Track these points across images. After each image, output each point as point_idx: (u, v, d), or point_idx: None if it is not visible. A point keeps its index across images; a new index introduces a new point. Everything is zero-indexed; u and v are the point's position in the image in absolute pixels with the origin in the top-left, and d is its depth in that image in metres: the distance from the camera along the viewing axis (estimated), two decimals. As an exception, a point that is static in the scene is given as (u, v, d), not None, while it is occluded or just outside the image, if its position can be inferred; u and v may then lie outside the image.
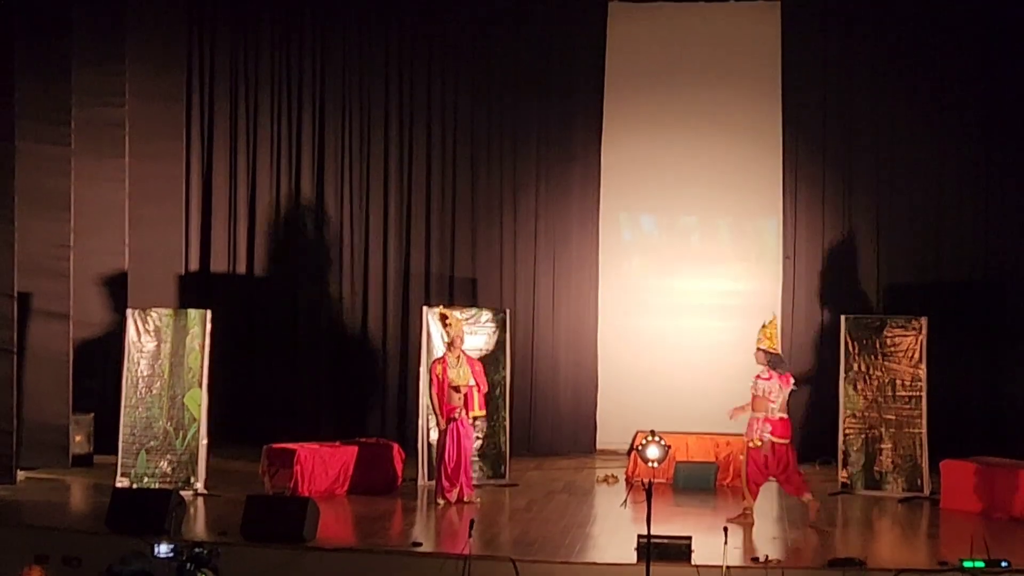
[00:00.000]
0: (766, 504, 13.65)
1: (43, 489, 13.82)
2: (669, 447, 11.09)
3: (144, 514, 11.58)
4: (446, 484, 13.22)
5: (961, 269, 15.96)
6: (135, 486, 13.38)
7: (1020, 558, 10.75)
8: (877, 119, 16.18)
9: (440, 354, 13.78)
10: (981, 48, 15.86)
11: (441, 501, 13.20)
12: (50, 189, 14.59)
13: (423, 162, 16.87)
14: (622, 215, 16.94)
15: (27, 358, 14.43)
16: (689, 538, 10.95)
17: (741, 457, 12.81)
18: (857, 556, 10.88)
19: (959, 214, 15.99)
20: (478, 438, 14.19)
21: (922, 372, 13.95)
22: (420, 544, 11.55)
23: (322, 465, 13.70)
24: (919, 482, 13.87)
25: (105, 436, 14.57)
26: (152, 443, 13.77)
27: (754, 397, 12.48)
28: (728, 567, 10.49)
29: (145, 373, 13.89)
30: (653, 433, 10.73)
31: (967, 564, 10.54)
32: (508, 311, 15.24)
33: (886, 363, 14.10)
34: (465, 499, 13.24)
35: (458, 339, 13.50)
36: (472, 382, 13.34)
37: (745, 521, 12.41)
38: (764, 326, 12.81)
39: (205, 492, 13.55)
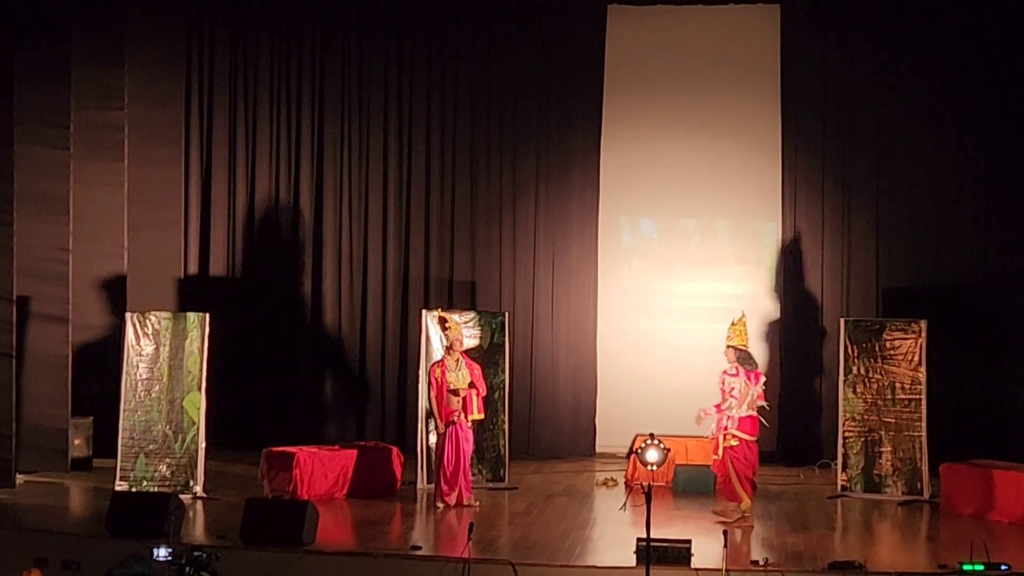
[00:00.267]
0: (764, 507, 13.66)
1: (42, 493, 13.81)
2: (669, 450, 11.09)
3: (143, 518, 11.59)
4: (445, 487, 13.21)
5: (961, 272, 15.95)
6: (134, 490, 13.38)
7: (1020, 562, 10.76)
8: (876, 122, 16.18)
9: (439, 357, 13.78)
10: (981, 49, 15.85)
11: (440, 504, 13.20)
12: (49, 192, 14.60)
13: (422, 166, 16.86)
14: (622, 218, 16.93)
15: (26, 362, 14.42)
16: (689, 541, 10.96)
17: (714, 456, 12.80)
18: (857, 559, 10.89)
19: (958, 217, 15.98)
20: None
21: (922, 375, 13.94)
22: (419, 547, 11.56)
23: (321, 468, 13.69)
24: (919, 485, 13.86)
25: (104, 440, 14.57)
26: (151, 447, 13.76)
27: (721, 392, 12.65)
28: (728, 570, 10.49)
29: (144, 376, 13.89)
30: (652, 436, 10.72)
31: (967, 568, 10.55)
32: (507, 314, 15.24)
33: (886, 366, 14.09)
34: (464, 502, 13.24)
35: (457, 342, 13.51)
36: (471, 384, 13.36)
37: (745, 524, 12.42)
38: (733, 323, 12.93)
39: (204, 496, 13.54)
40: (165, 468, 13.71)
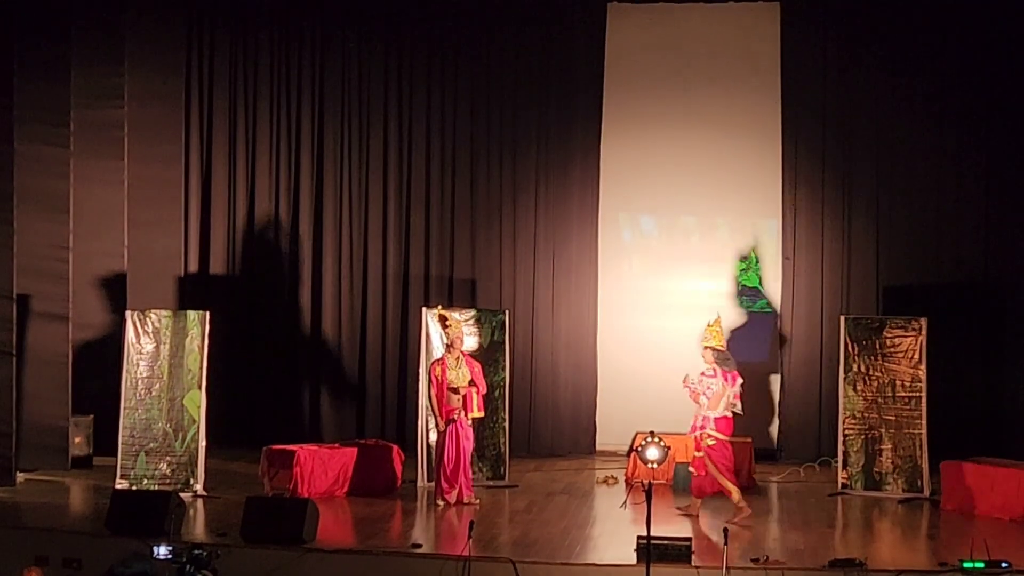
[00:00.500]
0: (765, 505, 13.67)
1: (42, 491, 13.81)
2: (669, 448, 11.09)
3: (144, 516, 11.59)
4: (445, 485, 13.22)
5: (961, 269, 15.95)
6: (134, 488, 13.38)
7: (1020, 559, 10.75)
8: (876, 119, 16.18)
9: (439, 355, 13.78)
10: (981, 45, 15.85)
11: (440, 502, 13.20)
12: (49, 191, 14.59)
13: (422, 164, 16.86)
14: (622, 216, 16.93)
15: (26, 360, 14.42)
16: (689, 539, 10.97)
17: (696, 454, 12.80)
18: (857, 557, 10.88)
19: (959, 214, 15.98)
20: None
21: (922, 373, 13.95)
22: (420, 545, 11.55)
23: (322, 466, 13.69)
24: (919, 483, 13.86)
25: (104, 438, 14.57)
26: (151, 445, 13.77)
27: (696, 393, 12.66)
28: (728, 568, 10.49)
29: (144, 375, 13.89)
30: (653, 434, 10.73)
31: (967, 565, 10.54)
32: (507, 312, 15.24)
33: (886, 364, 14.09)
34: (464, 500, 13.24)
35: (457, 340, 13.51)
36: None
37: (743, 516, 12.43)
38: (709, 325, 12.98)
39: (204, 494, 13.54)
40: (165, 466, 13.72)
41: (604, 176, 16.66)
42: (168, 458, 13.73)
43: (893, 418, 14.01)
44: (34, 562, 10.67)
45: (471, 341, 14.30)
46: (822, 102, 16.27)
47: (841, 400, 14.26)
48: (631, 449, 14.49)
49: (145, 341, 13.93)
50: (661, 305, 16.72)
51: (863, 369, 14.16)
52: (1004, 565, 10.58)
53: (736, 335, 15.82)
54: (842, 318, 14.56)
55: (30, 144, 14.35)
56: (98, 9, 15.57)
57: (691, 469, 13.10)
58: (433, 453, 13.71)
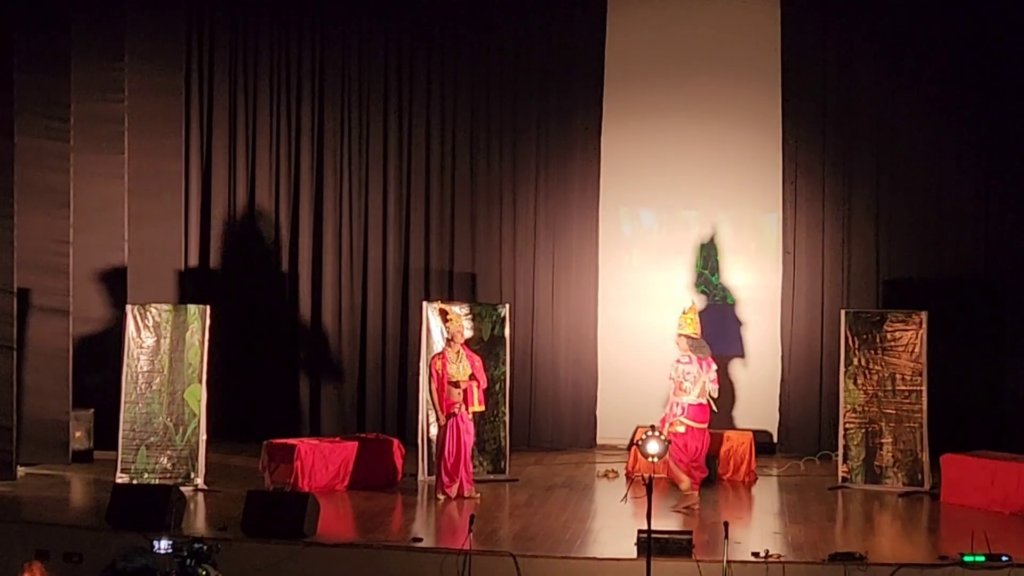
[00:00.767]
0: (767, 499, 13.68)
1: (43, 485, 13.82)
2: (669, 442, 11.10)
3: (144, 510, 11.60)
4: (446, 479, 13.22)
5: (961, 263, 15.94)
6: (135, 482, 13.37)
7: (1021, 552, 10.76)
8: (877, 113, 16.15)
9: (440, 349, 13.77)
10: (982, 40, 15.83)
11: (441, 496, 13.20)
12: (49, 185, 14.58)
13: (422, 156, 16.85)
14: (622, 209, 16.92)
15: (27, 354, 14.41)
16: (690, 533, 10.98)
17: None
18: (857, 551, 10.89)
19: (959, 208, 15.96)
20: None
21: (922, 366, 13.93)
22: (420, 539, 11.55)
23: (322, 460, 13.70)
24: (919, 476, 13.86)
25: (105, 432, 14.56)
26: (152, 439, 13.76)
27: (679, 383, 12.74)
28: (729, 562, 10.50)
29: (145, 369, 13.89)
30: (653, 428, 10.75)
31: (968, 559, 10.56)
32: (508, 305, 15.23)
33: (886, 357, 14.08)
34: (465, 494, 13.24)
35: (458, 334, 13.49)
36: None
37: (689, 502, 12.48)
38: (684, 312, 13.05)
39: (205, 488, 13.55)
40: (166, 460, 13.72)
41: (604, 170, 16.65)
42: (169, 452, 13.73)
43: (893, 412, 14.01)
44: (35, 556, 10.67)
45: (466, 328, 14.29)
46: (823, 95, 16.24)
47: (841, 394, 14.26)
48: (631, 443, 14.49)
49: (145, 335, 13.92)
50: (662, 298, 16.67)
51: (863, 363, 14.15)
52: (1004, 559, 10.58)
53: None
54: (842, 312, 14.56)
55: (30, 138, 14.33)
56: (98, 3, 15.55)
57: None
58: (434, 447, 13.70)
